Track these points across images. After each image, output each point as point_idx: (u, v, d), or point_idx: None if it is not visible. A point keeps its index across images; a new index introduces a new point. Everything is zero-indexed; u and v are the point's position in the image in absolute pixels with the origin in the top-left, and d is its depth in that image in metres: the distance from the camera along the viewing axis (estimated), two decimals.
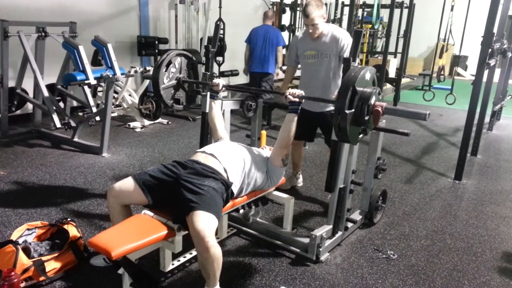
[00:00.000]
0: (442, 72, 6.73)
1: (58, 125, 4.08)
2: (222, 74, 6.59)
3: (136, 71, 5.03)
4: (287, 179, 3.27)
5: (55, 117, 4.09)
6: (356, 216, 2.74)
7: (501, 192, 3.57)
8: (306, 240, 2.39)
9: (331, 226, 2.43)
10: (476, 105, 3.66)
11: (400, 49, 8.57)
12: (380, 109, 1.85)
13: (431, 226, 2.87)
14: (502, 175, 4.01)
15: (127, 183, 1.98)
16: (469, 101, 3.64)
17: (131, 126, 5.17)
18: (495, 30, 3.70)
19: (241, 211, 2.52)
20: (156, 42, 6.27)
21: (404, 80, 9.44)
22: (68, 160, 3.89)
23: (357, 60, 2.85)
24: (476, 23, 7.18)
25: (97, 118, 4.29)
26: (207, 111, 2.56)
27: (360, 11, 8.77)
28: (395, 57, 9.59)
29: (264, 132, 2.97)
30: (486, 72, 3.81)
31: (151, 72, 4.04)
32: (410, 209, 3.15)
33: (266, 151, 2.44)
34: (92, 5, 5.71)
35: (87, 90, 4.23)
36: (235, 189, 2.10)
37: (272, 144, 2.48)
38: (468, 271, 2.34)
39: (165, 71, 2.61)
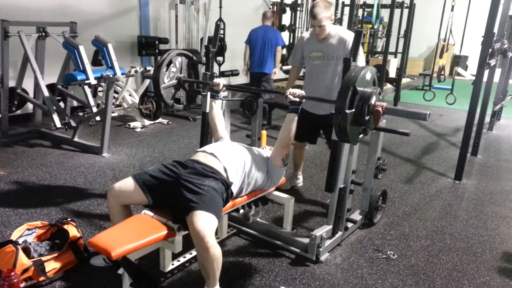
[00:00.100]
0: (442, 72, 6.71)
1: (58, 125, 4.07)
2: (222, 74, 6.59)
3: (136, 71, 5.02)
4: (287, 179, 3.27)
5: (55, 117, 4.09)
6: (356, 216, 2.74)
7: (501, 192, 3.57)
8: (306, 240, 2.39)
9: (331, 226, 2.43)
10: (476, 105, 3.66)
11: (400, 49, 8.56)
12: (380, 109, 1.85)
13: (431, 226, 2.87)
14: (502, 175, 4.01)
15: (127, 183, 1.98)
16: (469, 101, 3.64)
17: (131, 126, 5.17)
18: (495, 30, 3.71)
19: (241, 211, 2.52)
20: (157, 42, 6.26)
21: (404, 80, 9.43)
22: (68, 160, 3.89)
23: (362, 59, 2.82)
24: (477, 23, 7.18)
25: (97, 118, 4.29)
26: (207, 111, 2.57)
27: (360, 11, 8.77)
28: (395, 57, 9.57)
29: (264, 132, 2.96)
30: (486, 72, 3.81)
31: (151, 72, 4.04)
32: (410, 209, 3.15)
33: (266, 151, 2.45)
34: (93, 5, 5.71)
35: (88, 90, 4.24)
36: (235, 189, 2.10)
37: (272, 144, 2.48)
38: (468, 271, 2.34)
39: (166, 70, 2.61)
